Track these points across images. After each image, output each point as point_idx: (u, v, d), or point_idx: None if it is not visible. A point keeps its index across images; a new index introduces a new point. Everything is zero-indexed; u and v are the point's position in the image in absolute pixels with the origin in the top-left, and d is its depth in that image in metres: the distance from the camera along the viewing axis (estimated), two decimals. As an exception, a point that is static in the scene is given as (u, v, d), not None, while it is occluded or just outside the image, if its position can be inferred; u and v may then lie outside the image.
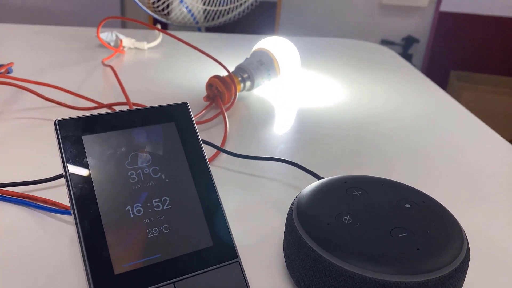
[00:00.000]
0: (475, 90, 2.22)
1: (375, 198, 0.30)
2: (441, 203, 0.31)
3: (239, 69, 0.60)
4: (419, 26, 2.60)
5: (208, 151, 0.46)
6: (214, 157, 0.45)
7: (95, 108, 0.53)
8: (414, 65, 2.75)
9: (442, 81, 2.59)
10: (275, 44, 0.63)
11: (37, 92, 0.52)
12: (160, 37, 0.86)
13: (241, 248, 0.33)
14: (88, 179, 0.26)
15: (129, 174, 0.27)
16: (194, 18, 1.35)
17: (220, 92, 0.56)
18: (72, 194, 0.25)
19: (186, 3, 1.32)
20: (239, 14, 1.36)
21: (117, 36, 0.80)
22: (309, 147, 0.49)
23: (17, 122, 0.50)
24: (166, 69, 0.72)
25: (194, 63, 0.76)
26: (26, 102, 0.55)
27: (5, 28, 0.90)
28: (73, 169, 0.26)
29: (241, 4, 1.41)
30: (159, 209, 0.27)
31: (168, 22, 1.37)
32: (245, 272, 0.27)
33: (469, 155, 0.49)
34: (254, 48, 0.64)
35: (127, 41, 0.80)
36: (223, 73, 0.60)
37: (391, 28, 2.61)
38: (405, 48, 2.62)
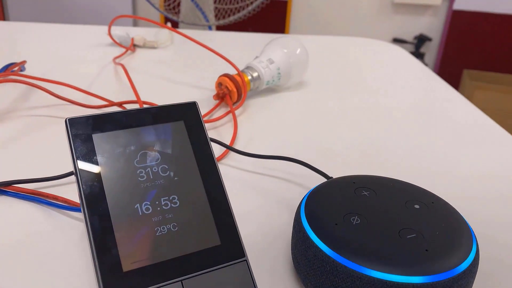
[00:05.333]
0: (488, 89, 2.20)
1: (383, 199, 0.30)
2: (451, 204, 0.31)
3: (249, 67, 0.60)
4: (432, 24, 2.57)
5: (217, 150, 0.46)
6: (223, 155, 0.45)
7: (105, 106, 0.53)
8: (426, 64, 2.73)
9: (454, 80, 2.57)
10: (285, 43, 0.63)
11: (48, 90, 0.52)
12: (170, 35, 0.86)
13: (249, 247, 0.33)
14: (97, 176, 0.26)
15: (138, 172, 0.27)
16: (205, 17, 1.35)
17: (229, 90, 0.56)
18: (82, 191, 0.25)
19: (197, 1, 1.32)
20: (249, 12, 1.36)
21: (128, 35, 0.81)
22: (318, 146, 0.48)
23: (29, 119, 0.50)
24: (177, 67, 0.72)
25: (204, 62, 0.76)
26: (38, 100, 0.56)
27: (18, 27, 0.91)
28: (83, 166, 0.26)
29: (251, 2, 1.41)
30: (167, 208, 0.27)
31: (179, 20, 1.38)
32: (253, 271, 0.27)
33: (481, 156, 0.48)
34: (264, 47, 0.64)
35: (138, 40, 0.81)
36: (234, 72, 0.60)
37: (403, 26, 2.59)
38: (417, 46, 2.59)
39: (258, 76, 0.60)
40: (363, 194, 0.30)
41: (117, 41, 0.80)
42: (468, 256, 0.26)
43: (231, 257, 0.27)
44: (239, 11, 1.44)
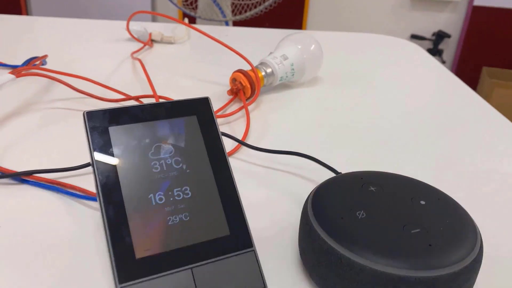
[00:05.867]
0: (507, 87, 2.16)
1: (390, 195, 0.30)
2: (458, 202, 0.31)
3: (263, 63, 0.61)
4: (451, 20, 2.54)
5: (229, 144, 0.47)
6: (235, 150, 0.46)
7: (123, 100, 0.55)
8: (445, 61, 2.69)
9: (473, 78, 2.53)
10: (299, 39, 0.64)
11: (68, 84, 0.54)
12: (187, 31, 0.88)
13: (258, 238, 0.34)
14: (113, 168, 0.27)
15: (152, 164, 0.28)
16: (222, 12, 1.36)
17: (243, 86, 0.57)
18: (98, 182, 0.27)
19: (214, -4, 1.33)
20: (265, 8, 1.37)
21: (146, 30, 0.82)
22: (328, 141, 0.49)
23: (49, 112, 0.52)
24: (192, 63, 0.74)
25: (220, 57, 0.77)
26: (58, 93, 0.57)
27: (40, 21, 0.94)
28: (99, 158, 0.27)
29: None
30: (179, 198, 0.28)
31: (197, 16, 1.39)
32: (260, 261, 0.28)
33: (493, 155, 0.48)
34: (279, 43, 0.65)
35: (155, 35, 0.82)
36: (248, 68, 0.61)
37: (421, 22, 2.57)
38: (436, 43, 2.56)
39: (272, 72, 0.60)
40: (370, 189, 0.31)
41: (135, 36, 0.82)
42: (471, 252, 0.26)
43: (240, 247, 0.28)
44: (255, 7, 1.45)
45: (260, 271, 0.28)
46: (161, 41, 0.84)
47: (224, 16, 1.38)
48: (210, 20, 1.34)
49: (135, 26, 0.83)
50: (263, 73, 0.60)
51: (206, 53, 0.79)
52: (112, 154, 0.28)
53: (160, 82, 0.64)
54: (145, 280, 0.25)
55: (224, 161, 0.30)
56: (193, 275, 0.26)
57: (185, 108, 0.31)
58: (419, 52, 0.88)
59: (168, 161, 0.29)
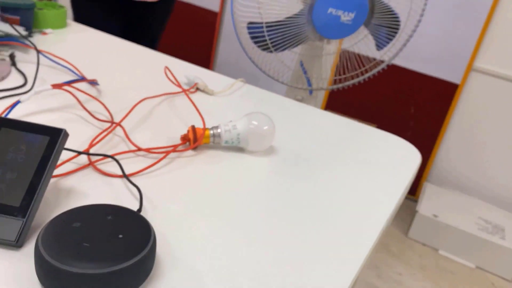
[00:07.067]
0: None
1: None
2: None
3: (218, 126, 0.79)
4: None
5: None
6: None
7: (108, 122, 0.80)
8: None
9: None
10: (256, 117, 0.79)
11: (85, 108, 0.81)
12: (231, 86, 1.09)
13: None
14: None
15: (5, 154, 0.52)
16: (308, 81, 1.54)
17: (187, 136, 0.77)
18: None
19: (305, 68, 1.52)
20: (359, 81, 1.50)
21: (195, 78, 1.07)
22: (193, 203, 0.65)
23: (66, 117, 0.80)
24: (209, 111, 0.95)
25: (221, 113, 0.97)
26: (77, 108, 0.86)
27: (106, 39, 1.27)
28: (-18, 142, 0.52)
29: (366, 70, 1.54)
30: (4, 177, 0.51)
31: (281, 81, 1.59)
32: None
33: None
34: (246, 115, 0.82)
35: (200, 85, 1.06)
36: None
37: None
38: None
39: (219, 134, 0.78)
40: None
41: (186, 79, 1.07)
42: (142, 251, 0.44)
43: (12, 214, 0.49)
44: (352, 78, 1.58)
45: (20, 231, 0.48)
46: (203, 91, 1.07)
47: (310, 85, 1.56)
48: (292, 87, 1.53)
49: (192, 71, 1.09)
50: (211, 132, 0.78)
51: (222, 106, 1.00)
52: None
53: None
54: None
55: (44, 168, 0.52)
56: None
57: (44, 130, 0.54)
58: (410, 150, 0.91)
59: (14, 156, 0.52)
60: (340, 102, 2.79)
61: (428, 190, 2.57)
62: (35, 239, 0.51)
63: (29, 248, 0.50)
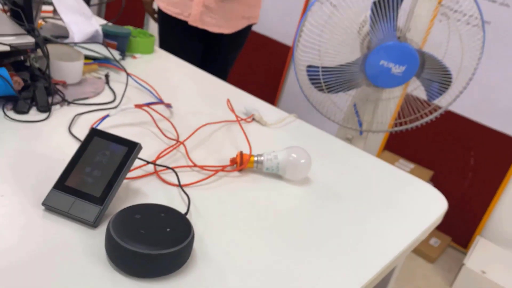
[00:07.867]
0: None
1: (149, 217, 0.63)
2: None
3: (262, 154, 0.93)
4: None
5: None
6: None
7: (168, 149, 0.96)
8: None
9: None
10: (296, 151, 0.92)
11: (158, 126, 0.99)
12: (283, 120, 1.23)
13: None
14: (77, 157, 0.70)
15: (94, 157, 0.69)
16: (359, 122, 1.65)
17: (236, 161, 0.91)
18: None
19: (357, 109, 1.63)
20: (417, 125, 1.59)
21: (253, 110, 1.22)
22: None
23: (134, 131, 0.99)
24: (257, 139, 1.10)
25: (273, 142, 1.10)
26: (149, 124, 1.04)
27: (185, 66, 1.45)
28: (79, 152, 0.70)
29: (426, 114, 1.62)
30: (94, 174, 0.68)
31: (335, 121, 1.69)
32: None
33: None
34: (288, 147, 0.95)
35: (256, 116, 1.21)
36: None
37: None
38: None
39: (262, 161, 0.92)
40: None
41: (245, 110, 1.23)
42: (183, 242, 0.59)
43: (94, 202, 0.66)
44: (411, 122, 1.67)
45: (97, 216, 0.65)
46: (258, 121, 1.22)
47: (360, 125, 1.66)
48: (344, 126, 1.63)
49: (253, 103, 1.24)
50: (256, 159, 0.92)
51: (272, 138, 1.14)
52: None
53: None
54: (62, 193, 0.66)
55: (121, 171, 0.68)
56: (73, 203, 0.66)
57: (125, 142, 0.71)
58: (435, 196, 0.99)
59: (101, 158, 0.69)
60: (400, 145, 2.82)
61: (480, 244, 2.52)
62: (107, 223, 0.68)
63: (102, 229, 0.67)
